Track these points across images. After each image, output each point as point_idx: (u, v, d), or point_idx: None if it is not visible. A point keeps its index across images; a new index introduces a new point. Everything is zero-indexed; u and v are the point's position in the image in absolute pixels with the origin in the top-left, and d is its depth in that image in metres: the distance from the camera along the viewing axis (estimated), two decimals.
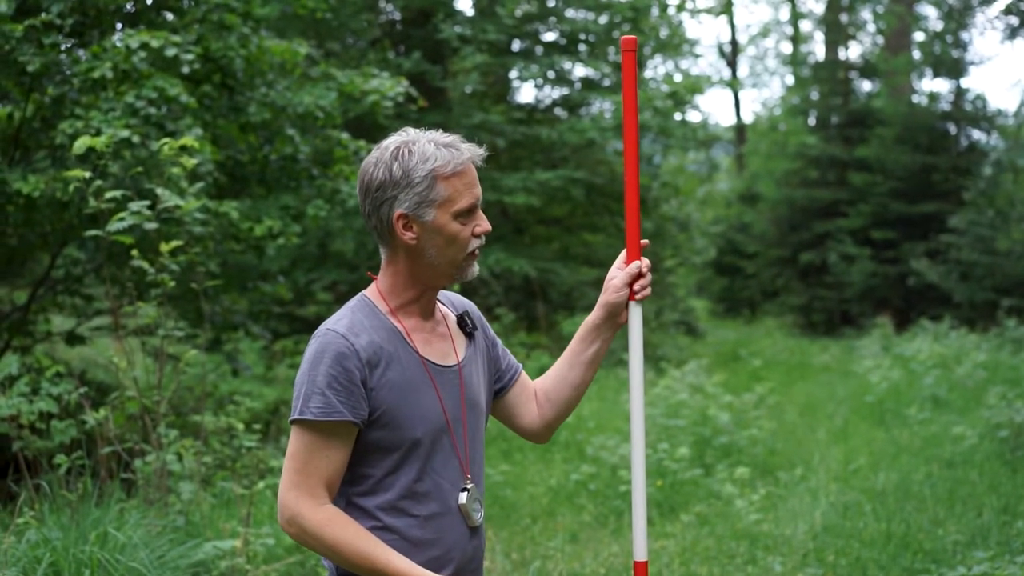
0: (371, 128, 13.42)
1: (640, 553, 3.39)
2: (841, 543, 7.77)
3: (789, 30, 45.27)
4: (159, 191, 7.12)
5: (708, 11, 39.03)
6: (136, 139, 8.42)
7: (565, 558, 7.86)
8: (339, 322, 3.14)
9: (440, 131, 3.20)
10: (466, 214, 3.14)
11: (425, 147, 3.11)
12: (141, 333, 8.54)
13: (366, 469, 3.13)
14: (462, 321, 3.39)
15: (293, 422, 3.08)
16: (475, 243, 3.17)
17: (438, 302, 3.37)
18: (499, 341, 3.54)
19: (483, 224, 3.17)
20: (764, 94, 67.48)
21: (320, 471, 3.05)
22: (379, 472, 3.13)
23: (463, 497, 3.19)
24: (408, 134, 3.18)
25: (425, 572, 3.06)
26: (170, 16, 10.38)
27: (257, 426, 8.14)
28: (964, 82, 31.20)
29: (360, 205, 3.20)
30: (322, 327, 3.14)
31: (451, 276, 3.19)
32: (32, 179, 8.85)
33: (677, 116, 21.87)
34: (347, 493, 3.15)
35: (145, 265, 6.93)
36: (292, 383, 3.18)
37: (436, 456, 3.17)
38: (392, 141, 3.16)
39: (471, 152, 3.15)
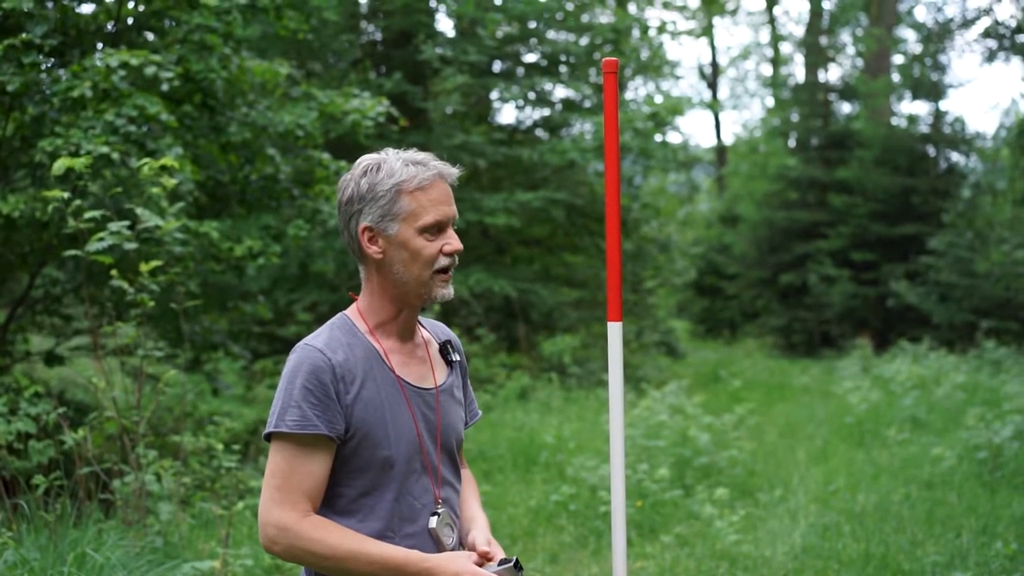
0: (352, 148, 13.40)
1: (620, 574, 3.39)
2: (820, 564, 7.78)
3: (769, 52, 45.55)
4: (139, 211, 7.12)
5: (689, 33, 39.37)
6: (116, 156, 8.40)
7: None
8: (317, 338, 3.15)
9: (415, 150, 3.22)
10: (433, 230, 3.13)
11: (393, 164, 3.14)
12: (120, 353, 8.51)
13: (340, 488, 3.12)
14: (444, 349, 3.40)
15: (270, 436, 3.08)
16: (443, 261, 3.15)
17: (421, 327, 3.38)
18: (469, 383, 3.55)
19: (453, 243, 3.15)
20: (744, 116, 67.78)
21: (302, 486, 3.03)
22: (353, 492, 3.12)
23: (433, 521, 3.17)
24: (383, 153, 3.20)
25: (420, 554, 3.06)
26: (151, 36, 10.37)
27: (236, 446, 8.12)
28: (943, 104, 31.44)
29: (338, 222, 3.23)
30: (300, 342, 3.16)
31: (420, 295, 3.17)
32: (12, 198, 8.83)
33: (658, 137, 21.96)
34: (321, 513, 3.12)
35: (124, 285, 6.92)
36: (271, 403, 3.15)
37: (410, 477, 3.16)
38: (365, 159, 3.20)
39: (440, 169, 3.16)
